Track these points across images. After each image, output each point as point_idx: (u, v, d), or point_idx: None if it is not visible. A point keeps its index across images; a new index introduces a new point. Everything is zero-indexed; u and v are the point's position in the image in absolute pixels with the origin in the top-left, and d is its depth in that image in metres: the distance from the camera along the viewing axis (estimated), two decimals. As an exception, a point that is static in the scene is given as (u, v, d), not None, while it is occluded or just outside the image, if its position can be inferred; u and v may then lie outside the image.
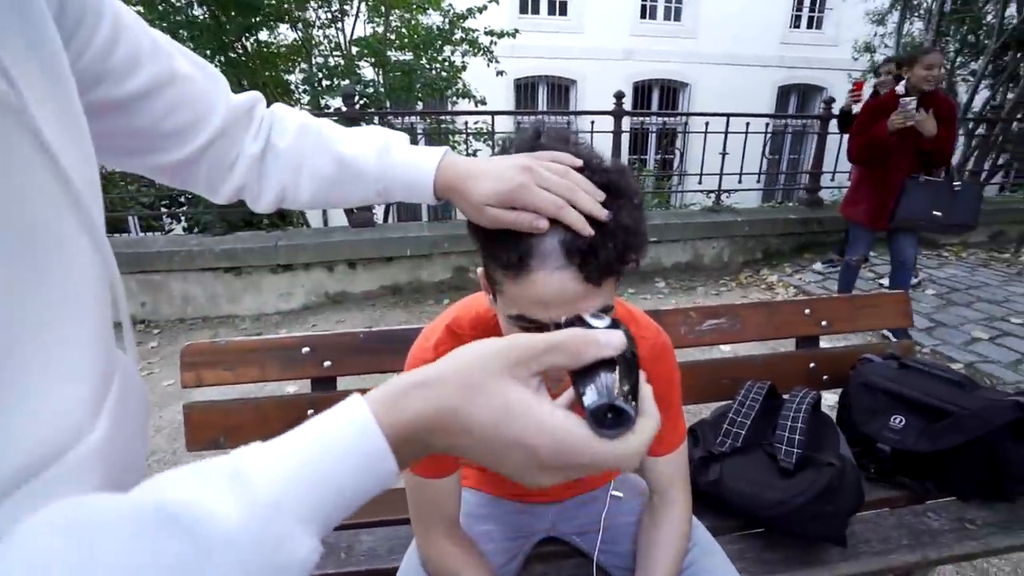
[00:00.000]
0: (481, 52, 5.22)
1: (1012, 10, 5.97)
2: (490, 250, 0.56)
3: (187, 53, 0.54)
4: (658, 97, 10.59)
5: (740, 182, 4.28)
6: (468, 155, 4.58)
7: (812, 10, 10.69)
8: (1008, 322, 3.09)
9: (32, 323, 0.29)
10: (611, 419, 0.31)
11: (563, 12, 9.92)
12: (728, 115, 4.02)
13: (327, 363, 1.17)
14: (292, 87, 5.03)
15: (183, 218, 4.97)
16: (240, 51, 4.38)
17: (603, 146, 3.91)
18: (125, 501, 0.26)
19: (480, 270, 0.61)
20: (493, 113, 3.92)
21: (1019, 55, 5.91)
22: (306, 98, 4.94)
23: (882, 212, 2.78)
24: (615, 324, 0.37)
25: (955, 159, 4.33)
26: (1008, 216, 4.60)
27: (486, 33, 5.22)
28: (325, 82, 4.63)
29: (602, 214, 0.51)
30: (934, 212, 2.61)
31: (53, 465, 0.30)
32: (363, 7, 4.91)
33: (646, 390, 0.35)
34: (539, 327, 0.55)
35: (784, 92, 10.68)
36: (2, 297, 0.27)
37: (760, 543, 0.96)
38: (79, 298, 0.33)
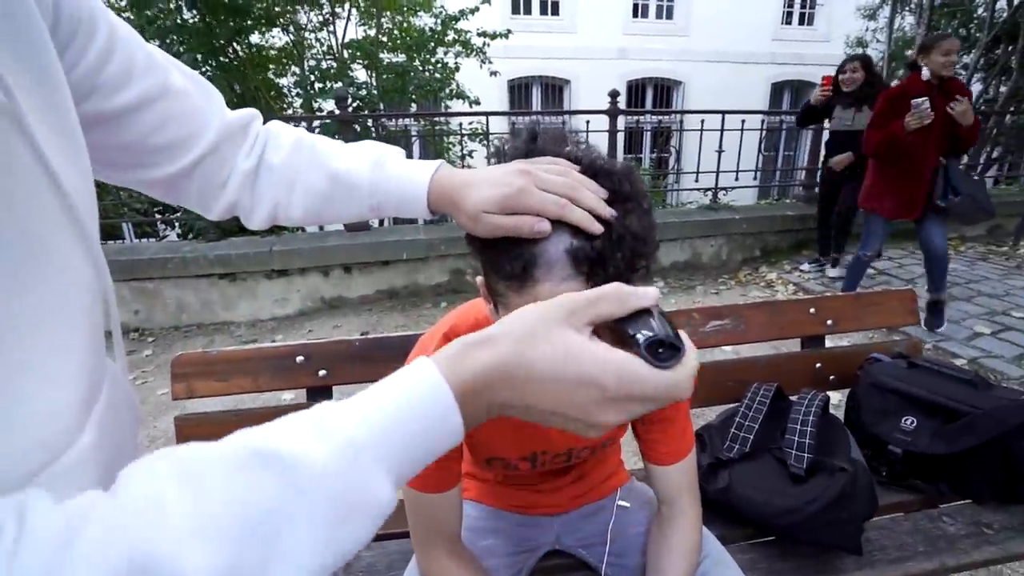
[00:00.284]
0: (474, 53, 5.19)
1: (1003, 3, 5.98)
2: (491, 260, 0.52)
3: (183, 68, 0.53)
4: (652, 96, 10.59)
5: (737, 179, 4.26)
6: (463, 155, 4.54)
7: (803, 6, 10.71)
8: (1010, 316, 3.08)
9: (21, 329, 0.30)
10: (663, 353, 0.34)
11: (555, 12, 9.90)
12: (723, 112, 4.01)
13: (322, 372, 1.14)
14: (284, 91, 4.99)
15: (177, 224, 4.92)
16: (231, 55, 4.34)
17: (599, 146, 3.88)
18: (219, 446, 0.28)
19: (479, 279, 0.58)
20: (487, 114, 3.89)
21: (1010, 48, 5.93)
22: (298, 101, 4.90)
23: (912, 204, 2.77)
24: None
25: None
26: (1004, 209, 4.60)
27: (479, 34, 5.19)
28: (318, 85, 4.59)
29: (607, 212, 0.48)
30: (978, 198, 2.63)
31: (45, 470, 0.30)
32: (354, 10, 4.88)
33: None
34: None
35: (778, 89, 10.70)
36: None
37: (772, 552, 0.93)
38: (70, 306, 0.33)
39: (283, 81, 5.00)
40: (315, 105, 4.61)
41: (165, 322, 3.41)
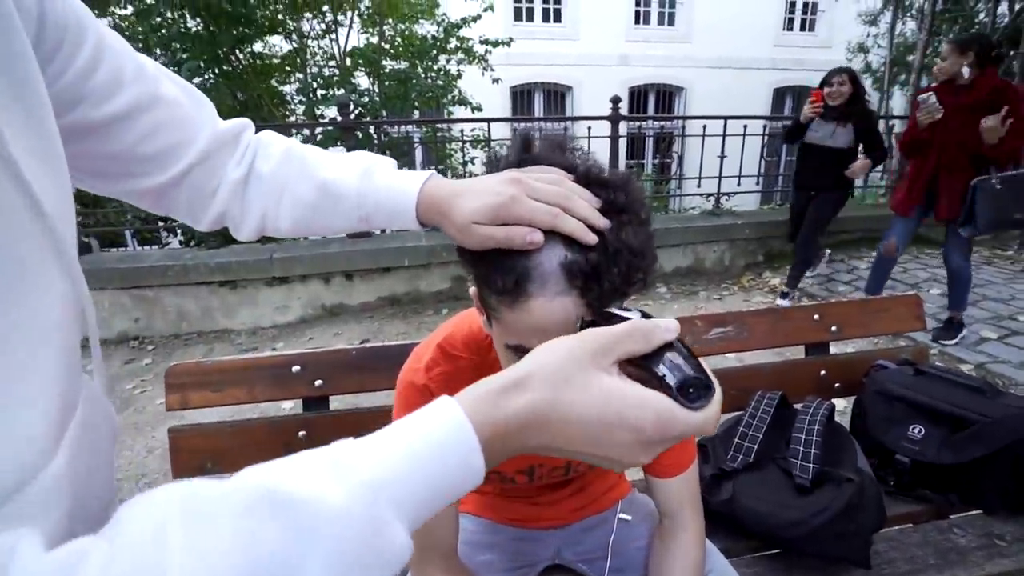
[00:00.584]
0: (476, 60, 5.21)
1: (1004, 8, 5.98)
2: (483, 274, 0.51)
3: (174, 78, 0.53)
4: (654, 102, 10.62)
5: (739, 184, 4.25)
6: (465, 162, 4.53)
7: (804, 13, 10.75)
8: (1016, 320, 3.05)
9: None
10: (693, 392, 0.34)
11: (557, 19, 9.96)
12: (725, 118, 4.00)
13: (318, 382, 1.12)
14: (287, 98, 5.01)
15: (179, 232, 4.93)
16: (234, 63, 4.36)
17: (600, 152, 3.88)
18: (227, 485, 0.27)
19: (473, 289, 0.56)
20: (489, 120, 3.89)
21: (1012, 53, 5.91)
22: (301, 108, 4.92)
23: (912, 200, 2.80)
24: (645, 314, 0.40)
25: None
26: (1010, 213, 4.57)
27: (481, 42, 5.21)
28: (320, 92, 4.61)
29: (602, 222, 0.47)
30: (1016, 215, 2.48)
31: (17, 494, 0.29)
32: (356, 18, 4.90)
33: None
34: None
35: (779, 94, 10.72)
36: None
37: (777, 566, 0.90)
38: (43, 323, 0.32)
39: (286, 89, 5.02)
40: (317, 112, 4.62)
41: (165, 330, 3.41)
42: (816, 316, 1.27)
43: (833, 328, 1.27)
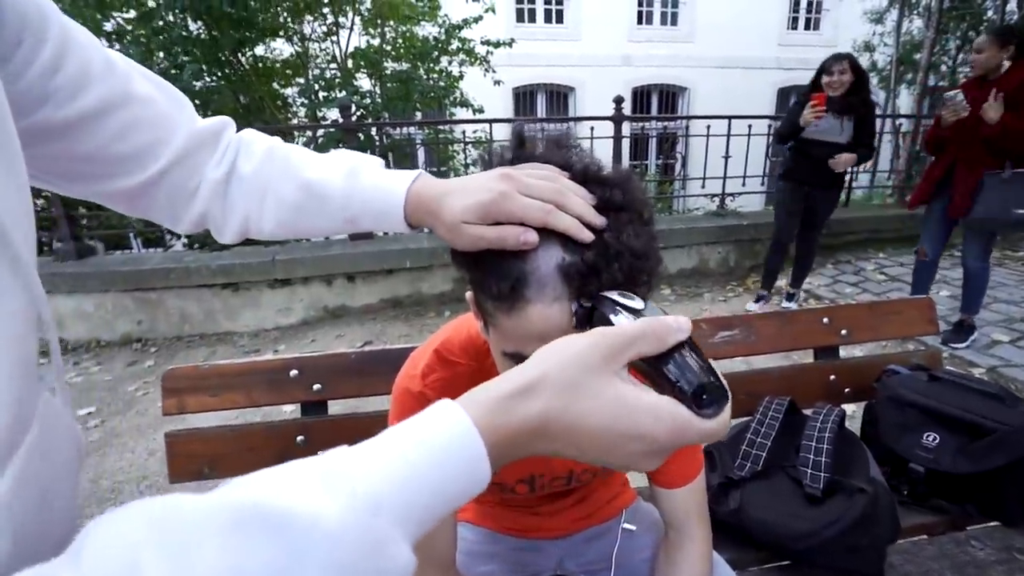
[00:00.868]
0: (478, 62, 5.19)
1: (1012, 5, 5.92)
2: (478, 279, 0.48)
3: (148, 74, 0.50)
4: (657, 102, 10.57)
5: (744, 185, 4.21)
6: (467, 163, 4.53)
7: (809, 12, 10.69)
8: (1027, 323, 3.00)
9: None
10: (706, 399, 0.33)
11: (559, 20, 9.93)
12: (729, 117, 3.96)
13: (317, 386, 1.10)
14: (289, 100, 5.01)
15: (183, 234, 4.94)
16: (236, 66, 4.36)
17: (603, 152, 3.86)
18: (214, 499, 0.24)
19: (469, 294, 0.54)
20: (491, 121, 3.87)
21: (1022, 50, 5.85)
22: (303, 111, 4.91)
23: (921, 195, 2.78)
24: (645, 302, 0.39)
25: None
26: (1019, 213, 4.51)
27: (482, 43, 5.19)
28: (322, 94, 4.60)
29: (598, 219, 0.45)
30: (1016, 210, 2.40)
31: None
32: (357, 19, 4.90)
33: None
34: None
35: (784, 94, 10.64)
36: None
37: (788, 578, 0.87)
38: None
39: (288, 91, 5.02)
40: (319, 114, 4.62)
41: (168, 332, 3.40)
42: (825, 319, 1.24)
43: (843, 331, 1.24)
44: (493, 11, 5.18)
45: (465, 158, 4.34)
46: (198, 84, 4.16)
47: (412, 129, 5.00)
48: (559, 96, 10.26)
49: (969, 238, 2.71)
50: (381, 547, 0.26)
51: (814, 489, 0.88)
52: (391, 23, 5.07)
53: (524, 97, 9.97)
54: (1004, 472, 0.91)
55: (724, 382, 0.34)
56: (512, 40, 5.34)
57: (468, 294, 0.54)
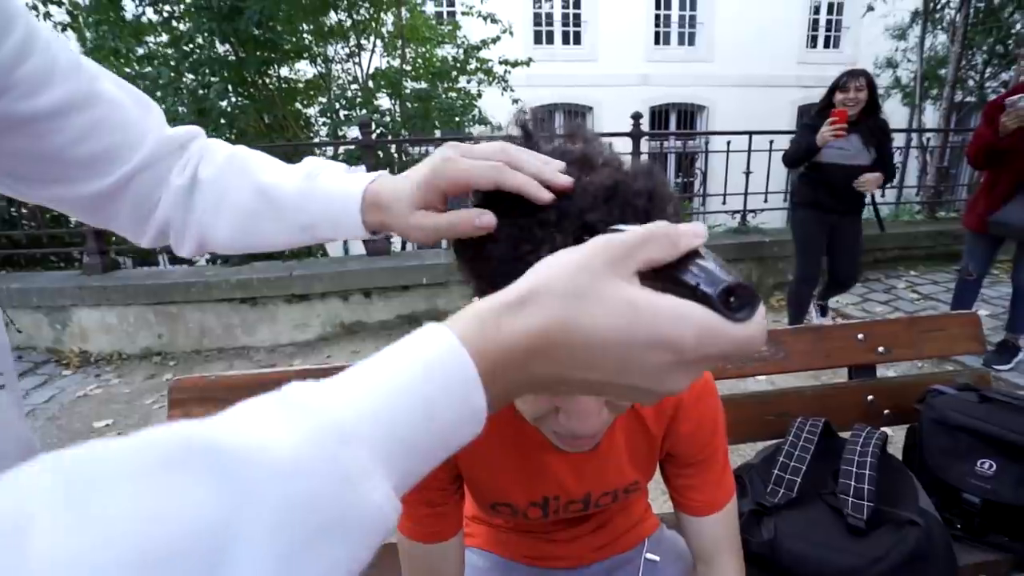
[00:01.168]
0: (496, 81, 5.25)
1: (1043, 19, 5.78)
2: (482, 291, 0.43)
3: (117, 79, 0.49)
4: (675, 121, 10.56)
5: (766, 201, 4.12)
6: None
7: (829, 30, 10.64)
8: (1073, 343, 2.83)
9: None
10: (735, 302, 0.28)
11: (577, 41, 10.05)
12: (750, 132, 3.90)
13: (324, 401, 1.07)
14: (312, 120, 5.12)
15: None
16: (261, 86, 4.48)
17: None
18: (140, 438, 0.20)
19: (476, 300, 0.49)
20: (509, 138, 3.87)
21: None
22: (324, 130, 5.01)
23: (985, 213, 2.53)
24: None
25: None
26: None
27: (500, 62, 5.25)
28: (343, 113, 4.69)
29: (562, 180, 0.38)
30: None
31: None
32: (379, 42, 5.01)
33: None
34: None
35: (804, 112, 10.55)
36: None
37: (829, 619, 0.79)
38: None
39: (310, 111, 5.13)
40: (340, 132, 4.70)
41: (187, 346, 3.42)
42: (860, 335, 1.16)
43: (880, 349, 1.16)
44: (511, 33, 5.25)
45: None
46: (224, 103, 4.28)
47: (431, 148, 5.05)
48: (577, 116, 10.32)
49: (1020, 252, 2.55)
50: (351, 482, 0.21)
51: (857, 520, 0.80)
52: (411, 45, 5.17)
53: (542, 117, 10.05)
54: (1072, 505, 0.82)
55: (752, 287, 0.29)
56: (529, 59, 5.40)
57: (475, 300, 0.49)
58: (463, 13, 5.41)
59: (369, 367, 0.24)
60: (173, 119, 4.29)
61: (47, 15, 4.12)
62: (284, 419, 0.21)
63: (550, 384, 0.27)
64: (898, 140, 3.84)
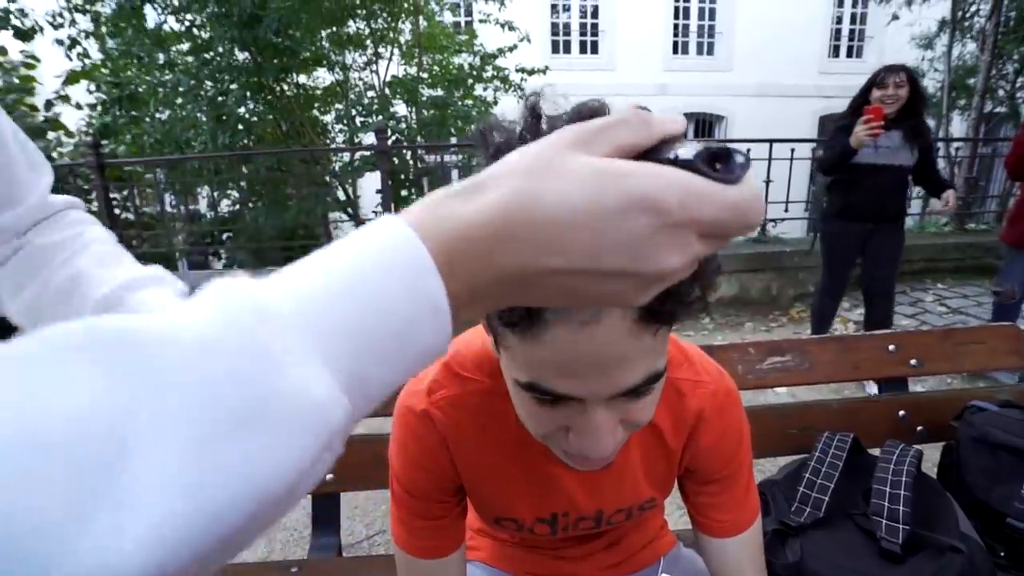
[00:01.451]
0: (512, 88, 5.26)
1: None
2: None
3: (21, 136, 0.49)
4: (693, 131, 10.48)
5: (787, 211, 4.04)
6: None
7: (851, 39, 10.49)
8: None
9: None
10: (721, 166, 0.24)
11: (594, 51, 10.06)
12: (771, 141, 3.84)
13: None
14: (328, 126, 5.17)
15: (222, 254, 5.09)
16: (279, 93, 4.54)
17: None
18: (50, 328, 0.17)
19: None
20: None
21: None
22: (341, 137, 5.05)
23: None
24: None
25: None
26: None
27: (516, 70, 5.27)
28: (359, 119, 4.73)
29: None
30: None
31: None
32: (396, 50, 5.06)
33: None
34: (560, 398, 0.40)
35: (826, 122, 10.39)
36: None
37: (861, 652, 0.73)
38: None
39: (327, 118, 5.19)
40: (356, 139, 4.73)
41: (201, 349, 3.45)
42: (891, 346, 1.10)
43: (912, 362, 1.10)
44: (528, 40, 5.26)
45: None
46: (242, 110, 4.34)
47: (447, 157, 5.06)
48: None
49: None
50: (272, 363, 0.18)
51: (892, 544, 0.74)
52: (429, 53, 5.21)
53: (558, 126, 10.06)
54: None
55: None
56: (546, 67, 5.40)
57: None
58: (480, 21, 5.45)
59: (308, 259, 0.21)
60: (192, 126, 4.39)
61: (72, 22, 4.23)
62: (201, 304, 0.19)
63: (519, 282, 0.23)
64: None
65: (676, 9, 9.97)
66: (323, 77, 4.98)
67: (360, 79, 5.12)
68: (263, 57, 4.10)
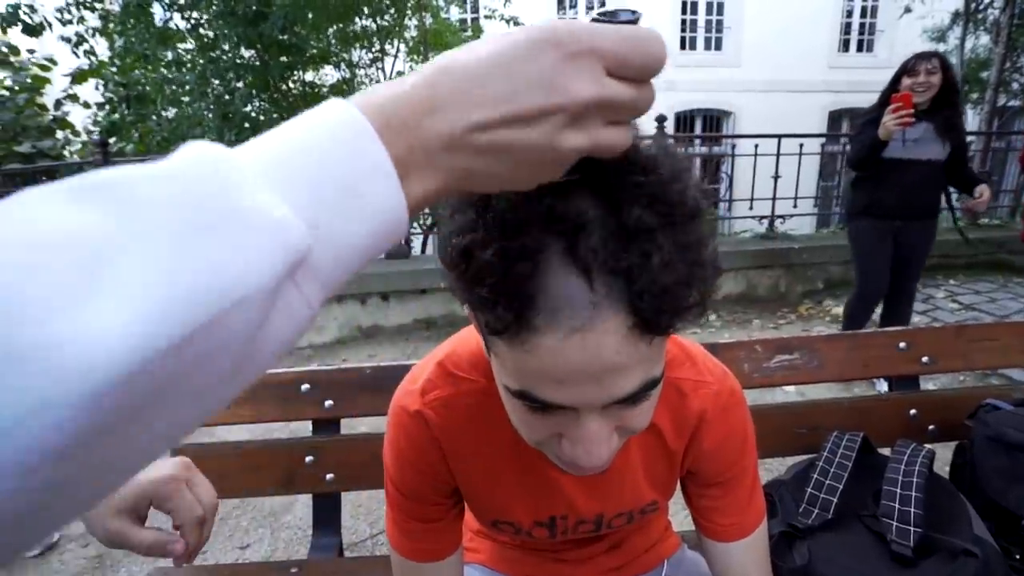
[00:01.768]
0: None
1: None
2: (467, 297, 0.37)
3: None
4: (701, 127, 10.40)
5: (795, 207, 3.99)
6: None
7: (862, 33, 10.35)
8: None
9: None
10: (607, 15, 0.28)
11: (601, 47, 10.01)
12: (779, 136, 3.79)
13: (328, 402, 1.03)
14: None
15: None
16: (285, 91, 4.55)
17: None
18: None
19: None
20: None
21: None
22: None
23: None
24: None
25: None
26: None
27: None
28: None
29: None
30: None
31: None
32: (402, 47, 5.05)
33: None
34: (551, 406, 0.38)
35: (836, 117, 10.27)
36: None
37: (871, 658, 0.71)
38: None
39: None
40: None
41: (207, 347, 3.46)
42: (902, 344, 1.07)
43: (924, 359, 1.07)
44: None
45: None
46: (248, 108, 4.35)
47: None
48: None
49: None
50: (234, 184, 0.20)
51: (903, 547, 0.72)
52: (435, 50, 5.20)
53: (564, 122, 10.02)
54: None
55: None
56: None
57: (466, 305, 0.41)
58: (486, 17, 5.42)
59: (265, 134, 0.24)
60: (199, 123, 4.41)
61: (81, 19, 4.26)
62: (169, 159, 0.21)
63: (455, 147, 0.25)
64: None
65: (684, 4, 9.88)
66: (329, 74, 4.98)
67: (366, 76, 5.11)
68: (269, 55, 4.10)
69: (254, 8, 3.76)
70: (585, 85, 0.25)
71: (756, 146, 3.80)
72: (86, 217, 0.17)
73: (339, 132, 0.23)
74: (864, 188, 2.42)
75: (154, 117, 4.66)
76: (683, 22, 9.96)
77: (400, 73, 5.00)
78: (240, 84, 4.26)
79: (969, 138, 5.44)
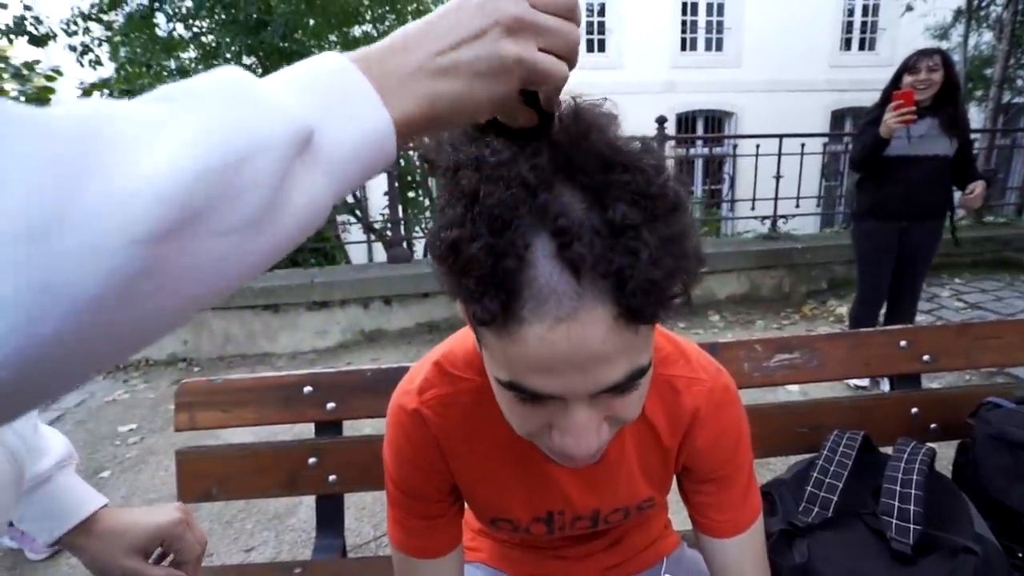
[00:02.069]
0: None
1: (1097, 14, 5.47)
2: (455, 290, 0.37)
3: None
4: (702, 128, 10.39)
5: (798, 206, 3.98)
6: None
7: (863, 32, 10.33)
8: None
9: None
10: None
11: (601, 49, 10.02)
12: (781, 136, 3.78)
13: (331, 405, 1.03)
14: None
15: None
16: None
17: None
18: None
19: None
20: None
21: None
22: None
23: None
24: None
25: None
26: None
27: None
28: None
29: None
30: None
31: None
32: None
33: None
34: (541, 397, 0.39)
35: (838, 116, 10.24)
36: None
37: (872, 657, 0.71)
38: None
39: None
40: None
41: (212, 352, 3.48)
42: (903, 342, 1.07)
43: (926, 357, 1.07)
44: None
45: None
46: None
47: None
48: (601, 123, 10.25)
49: None
50: (248, 77, 0.26)
51: (902, 545, 0.72)
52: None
53: (566, 125, 10.03)
54: None
55: None
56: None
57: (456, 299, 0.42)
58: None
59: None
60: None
61: (86, 30, 4.30)
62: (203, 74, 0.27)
63: (424, 75, 0.30)
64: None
65: (684, 5, 9.89)
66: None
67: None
68: (270, 62, 4.13)
69: (255, 16, 3.79)
70: (511, 4, 0.31)
71: (758, 146, 3.80)
72: (152, 106, 0.24)
73: (329, 65, 0.29)
74: (868, 188, 2.39)
75: (158, 125, 4.69)
76: (683, 23, 9.97)
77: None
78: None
79: (974, 135, 5.43)
